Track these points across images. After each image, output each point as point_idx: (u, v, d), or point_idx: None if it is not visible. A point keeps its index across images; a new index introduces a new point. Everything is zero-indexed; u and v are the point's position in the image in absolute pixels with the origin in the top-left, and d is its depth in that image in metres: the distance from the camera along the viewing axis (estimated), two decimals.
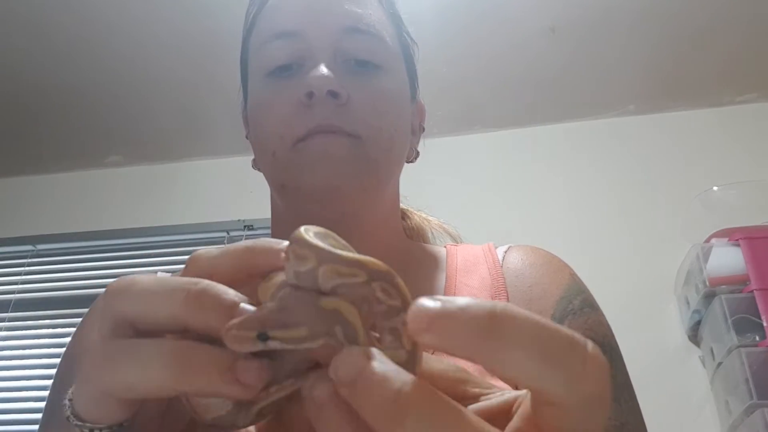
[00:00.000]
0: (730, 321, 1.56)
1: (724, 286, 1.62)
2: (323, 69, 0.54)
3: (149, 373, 0.26)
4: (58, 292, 2.17)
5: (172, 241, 2.19)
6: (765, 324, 1.53)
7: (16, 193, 2.39)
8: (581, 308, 0.55)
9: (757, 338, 1.55)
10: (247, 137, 0.64)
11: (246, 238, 2.13)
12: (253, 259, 0.28)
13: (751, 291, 1.58)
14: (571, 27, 1.88)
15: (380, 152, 0.56)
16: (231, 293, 0.27)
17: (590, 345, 0.22)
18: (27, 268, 2.23)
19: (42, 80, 2.06)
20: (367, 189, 0.56)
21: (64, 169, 2.39)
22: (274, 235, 0.64)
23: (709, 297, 1.65)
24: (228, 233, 2.15)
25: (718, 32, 1.89)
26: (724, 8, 1.82)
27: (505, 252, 0.63)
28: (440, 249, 0.66)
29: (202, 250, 0.29)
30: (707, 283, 1.63)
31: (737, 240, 1.67)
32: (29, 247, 2.24)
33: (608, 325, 0.57)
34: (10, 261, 2.25)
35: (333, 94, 0.54)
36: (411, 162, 0.67)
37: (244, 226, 2.14)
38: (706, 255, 1.67)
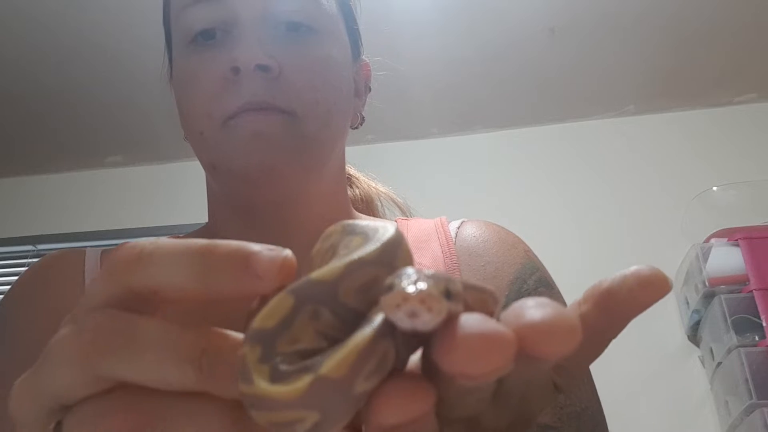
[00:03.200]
0: (729, 321, 1.56)
1: (723, 286, 1.62)
2: (250, 40, 0.49)
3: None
4: None
5: None
6: (764, 324, 1.53)
7: (16, 193, 2.40)
8: (536, 288, 0.53)
9: (757, 338, 1.55)
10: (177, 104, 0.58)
11: None
12: (214, 275, 0.22)
13: (751, 291, 1.59)
14: (571, 27, 1.88)
15: (318, 128, 0.51)
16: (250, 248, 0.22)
17: None
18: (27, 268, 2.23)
19: (42, 81, 2.06)
20: (306, 169, 0.52)
21: (64, 169, 2.39)
22: (211, 218, 0.60)
23: (708, 297, 1.65)
24: None
25: (718, 33, 1.89)
26: (723, 9, 1.82)
27: (458, 228, 0.60)
28: (390, 224, 0.62)
29: (146, 243, 0.23)
30: (707, 283, 1.63)
31: (737, 240, 1.67)
32: (29, 247, 2.24)
33: (564, 304, 0.55)
34: (10, 261, 2.26)
35: (262, 68, 0.49)
36: (355, 128, 0.61)
37: None
38: (706, 255, 1.67)
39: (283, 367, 0.19)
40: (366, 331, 0.19)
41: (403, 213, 0.71)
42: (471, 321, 0.18)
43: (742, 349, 1.52)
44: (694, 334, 1.76)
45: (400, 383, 0.19)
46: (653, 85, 2.06)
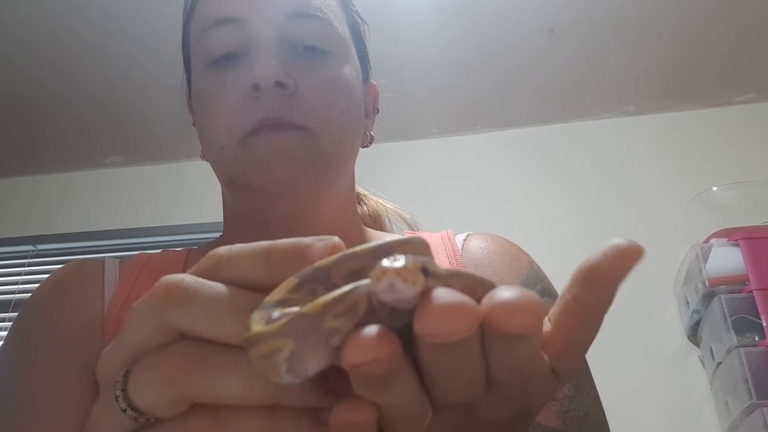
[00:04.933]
0: (729, 321, 1.56)
1: (723, 286, 1.62)
2: (269, 59, 0.52)
3: (252, 387, 0.24)
4: None
5: (173, 242, 2.19)
6: (764, 324, 1.53)
7: (16, 193, 2.40)
8: (540, 297, 0.54)
9: (757, 338, 1.55)
10: (193, 125, 0.61)
11: None
12: (278, 268, 0.26)
13: (751, 291, 1.58)
14: (571, 27, 1.88)
15: (332, 144, 0.54)
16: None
17: None
18: (27, 268, 2.23)
19: (42, 80, 2.06)
20: (320, 184, 0.55)
21: (64, 169, 2.39)
22: (226, 230, 0.63)
23: (708, 297, 1.65)
24: None
25: (718, 32, 1.89)
26: (723, 9, 1.82)
27: (464, 240, 0.62)
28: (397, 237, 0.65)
29: (223, 250, 0.27)
30: (707, 283, 1.63)
31: (737, 240, 1.67)
32: (29, 247, 2.24)
33: None
34: (10, 261, 2.25)
35: (280, 85, 0.51)
36: (365, 147, 0.65)
37: None
38: (706, 255, 1.67)
39: (276, 315, 0.23)
40: (343, 287, 0.23)
41: (411, 227, 0.74)
42: (442, 292, 0.21)
43: (742, 349, 1.52)
44: (694, 334, 1.76)
45: (367, 330, 0.22)
46: (653, 85, 2.06)
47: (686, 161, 2.03)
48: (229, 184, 0.57)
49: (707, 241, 1.74)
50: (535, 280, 0.57)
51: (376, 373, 0.22)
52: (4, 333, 2.11)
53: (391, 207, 0.75)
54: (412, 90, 2.01)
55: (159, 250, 0.65)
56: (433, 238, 0.62)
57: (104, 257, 0.62)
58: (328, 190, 0.56)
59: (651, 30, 1.89)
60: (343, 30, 0.58)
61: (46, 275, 2.13)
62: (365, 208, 0.73)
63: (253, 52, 0.54)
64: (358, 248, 0.25)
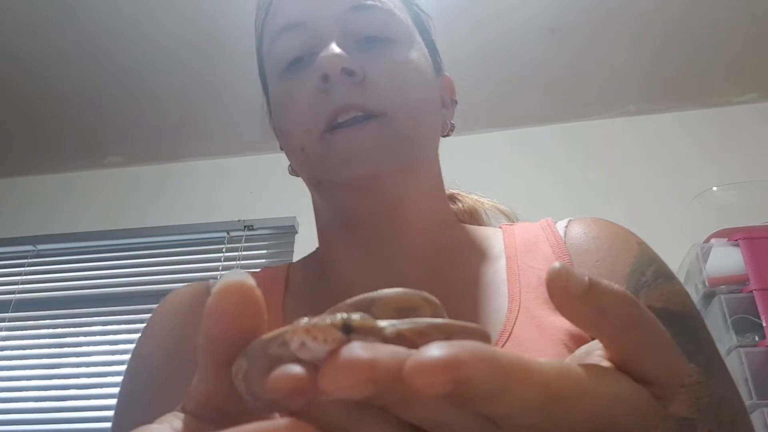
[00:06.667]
0: (729, 321, 1.56)
1: (723, 286, 1.62)
2: (334, 48, 0.52)
3: None
4: (58, 292, 2.17)
5: (173, 242, 2.19)
6: (764, 324, 1.53)
7: (16, 193, 2.40)
8: (655, 279, 0.52)
9: (757, 338, 1.55)
10: (281, 148, 0.61)
11: (246, 238, 2.14)
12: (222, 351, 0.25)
13: (751, 291, 1.58)
14: (571, 27, 1.88)
15: (410, 127, 0.53)
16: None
17: None
18: (27, 268, 2.23)
19: (42, 80, 2.06)
20: (403, 169, 0.53)
21: (64, 169, 2.39)
22: (320, 235, 0.62)
23: (708, 297, 1.65)
24: (228, 233, 2.15)
25: (718, 33, 1.89)
26: (724, 9, 1.82)
27: (566, 227, 0.60)
28: (496, 230, 0.64)
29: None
30: (707, 283, 1.63)
31: (737, 240, 1.67)
32: (29, 247, 2.25)
33: (686, 293, 0.53)
34: (10, 261, 2.26)
35: (348, 72, 0.51)
36: (447, 136, 0.64)
37: (244, 226, 2.14)
38: (706, 255, 1.67)
39: None
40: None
41: (510, 219, 0.73)
42: (349, 347, 0.20)
43: (742, 349, 1.52)
44: None
45: (289, 366, 0.22)
46: (653, 85, 2.06)
47: (686, 161, 2.03)
48: (317, 185, 0.56)
49: (707, 241, 1.74)
50: (647, 262, 0.54)
51: (291, 408, 0.22)
52: (4, 333, 2.12)
53: (487, 202, 0.74)
54: None
55: (257, 270, 0.64)
56: (532, 228, 0.61)
57: (208, 281, 0.62)
58: (412, 177, 0.55)
59: (651, 30, 1.89)
60: (405, 18, 0.58)
61: (46, 275, 2.13)
62: (460, 205, 0.72)
63: (319, 50, 0.54)
64: (351, 300, 0.25)
